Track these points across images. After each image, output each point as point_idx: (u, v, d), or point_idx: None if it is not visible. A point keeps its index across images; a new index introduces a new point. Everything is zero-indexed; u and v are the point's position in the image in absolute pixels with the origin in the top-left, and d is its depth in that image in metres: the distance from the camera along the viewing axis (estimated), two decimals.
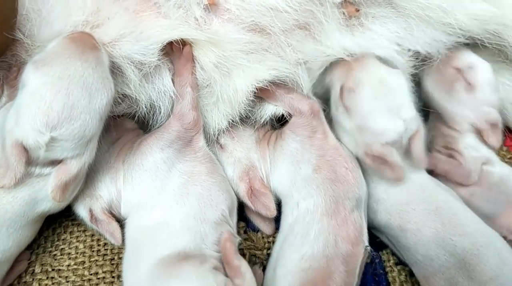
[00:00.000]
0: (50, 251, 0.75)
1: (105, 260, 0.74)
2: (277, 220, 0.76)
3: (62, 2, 0.68)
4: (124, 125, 0.79)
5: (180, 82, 0.73)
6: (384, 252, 0.75)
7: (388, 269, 0.74)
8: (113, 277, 0.72)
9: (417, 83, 0.82)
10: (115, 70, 0.69)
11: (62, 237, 0.77)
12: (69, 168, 0.64)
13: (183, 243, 0.64)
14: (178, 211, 0.68)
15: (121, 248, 0.73)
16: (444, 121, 0.80)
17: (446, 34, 0.75)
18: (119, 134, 0.77)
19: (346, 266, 0.64)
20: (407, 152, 0.72)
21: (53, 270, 0.73)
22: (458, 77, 0.77)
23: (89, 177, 0.72)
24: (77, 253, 0.75)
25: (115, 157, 0.74)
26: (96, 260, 0.74)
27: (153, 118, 0.76)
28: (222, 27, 0.71)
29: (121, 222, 0.72)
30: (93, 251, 0.75)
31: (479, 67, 0.77)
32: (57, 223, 0.78)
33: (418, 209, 0.69)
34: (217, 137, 0.79)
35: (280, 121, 0.82)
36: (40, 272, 0.72)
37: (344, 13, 0.73)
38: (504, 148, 0.89)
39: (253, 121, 0.79)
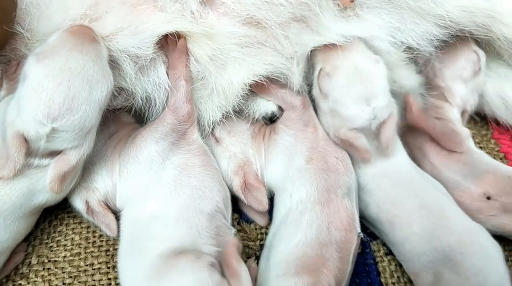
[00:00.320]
0: (47, 243, 0.76)
1: (101, 251, 0.75)
2: (270, 212, 0.76)
3: None
4: (121, 119, 0.79)
5: (174, 75, 0.73)
6: (374, 242, 0.77)
7: (378, 259, 0.75)
8: (108, 267, 0.73)
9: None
10: (112, 64, 0.69)
11: (58, 229, 0.77)
12: (68, 159, 0.64)
13: (179, 236, 0.64)
14: (172, 202, 0.68)
15: (116, 240, 0.74)
16: (439, 94, 0.84)
17: (437, 26, 0.77)
18: (116, 128, 0.77)
19: (340, 253, 0.65)
20: (376, 137, 0.74)
21: (49, 261, 0.73)
22: (475, 60, 0.82)
23: (86, 170, 0.73)
24: (73, 245, 0.75)
25: (111, 150, 0.75)
26: (92, 251, 0.75)
27: (149, 110, 0.76)
28: (217, 21, 0.71)
29: (116, 214, 0.73)
30: (88, 242, 0.76)
31: (484, 58, 0.83)
32: (53, 215, 0.78)
33: (406, 203, 0.71)
34: (212, 130, 0.79)
35: (272, 121, 0.83)
36: (37, 263, 0.73)
37: (338, 5, 0.74)
38: (492, 141, 0.91)
39: (246, 115, 0.80)
